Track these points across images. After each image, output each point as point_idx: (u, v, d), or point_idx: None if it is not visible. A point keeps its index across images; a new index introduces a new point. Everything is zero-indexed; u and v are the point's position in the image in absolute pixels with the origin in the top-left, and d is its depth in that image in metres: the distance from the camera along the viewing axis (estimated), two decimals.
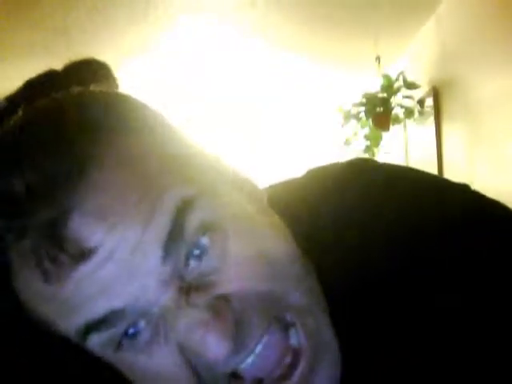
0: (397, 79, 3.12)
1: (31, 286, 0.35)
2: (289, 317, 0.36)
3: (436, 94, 2.93)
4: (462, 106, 2.60)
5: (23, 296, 0.36)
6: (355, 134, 3.49)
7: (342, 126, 3.45)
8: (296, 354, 0.36)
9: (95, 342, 0.35)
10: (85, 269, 0.33)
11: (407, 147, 3.51)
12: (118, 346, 0.35)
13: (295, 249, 0.39)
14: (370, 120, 3.22)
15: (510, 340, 0.39)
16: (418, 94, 3.08)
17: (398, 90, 3.13)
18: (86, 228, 0.32)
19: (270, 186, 0.48)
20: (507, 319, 0.39)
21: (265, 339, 0.35)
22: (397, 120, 3.26)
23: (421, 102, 3.08)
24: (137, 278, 0.33)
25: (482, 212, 0.43)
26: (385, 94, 3.15)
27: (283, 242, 0.39)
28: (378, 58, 3.30)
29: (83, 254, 0.32)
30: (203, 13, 2.82)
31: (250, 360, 0.35)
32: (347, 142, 3.62)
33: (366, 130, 3.38)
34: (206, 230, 0.34)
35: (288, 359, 0.36)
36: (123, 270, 0.33)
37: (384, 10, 2.88)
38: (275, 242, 0.38)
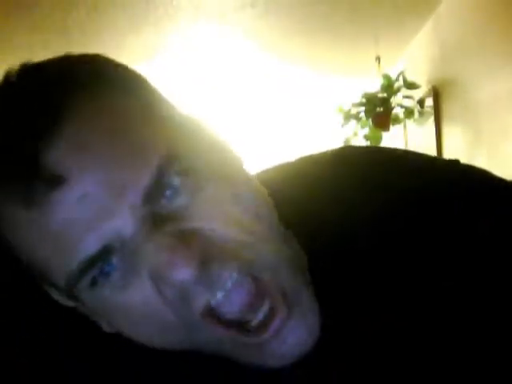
0: (397, 79, 3.12)
1: (17, 224, 0.36)
2: (258, 273, 0.37)
3: (436, 94, 2.93)
4: (462, 106, 2.61)
5: (17, 245, 0.38)
6: (355, 134, 3.49)
7: (342, 126, 3.44)
8: (271, 309, 0.37)
9: (79, 286, 0.36)
10: (60, 197, 0.34)
11: (407, 147, 3.50)
12: (92, 283, 0.36)
13: (273, 212, 0.40)
14: (370, 120, 3.22)
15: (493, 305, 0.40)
16: (417, 94, 3.08)
17: (398, 89, 3.13)
18: (62, 159, 0.34)
19: (262, 171, 0.50)
20: (492, 285, 0.41)
21: (234, 279, 0.36)
22: (397, 120, 3.26)
23: (421, 102, 3.08)
24: (114, 215, 0.35)
25: (469, 184, 0.46)
26: (385, 94, 3.15)
27: (259, 200, 0.40)
28: (378, 58, 3.30)
29: (57, 181, 0.34)
30: (203, 13, 2.82)
31: (220, 295, 0.36)
32: (347, 142, 3.62)
33: (366, 130, 3.37)
34: (181, 174, 0.36)
35: (262, 307, 0.37)
36: (101, 208, 0.34)
37: (384, 11, 2.88)
38: (250, 196, 0.39)
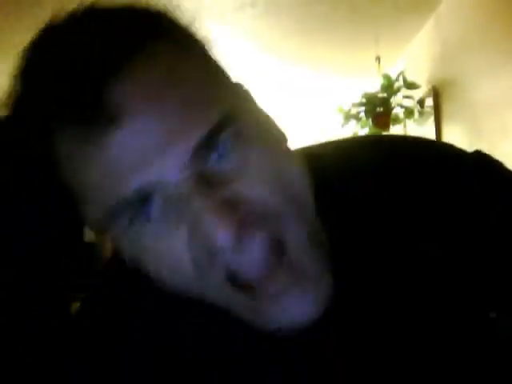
0: (397, 79, 3.12)
1: (71, 151, 0.37)
2: (285, 247, 0.38)
3: (436, 93, 2.93)
4: (462, 105, 2.61)
5: (63, 167, 0.38)
6: (355, 134, 3.49)
7: (342, 125, 3.44)
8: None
9: (119, 222, 0.37)
10: (117, 134, 0.35)
11: None
12: (129, 222, 0.37)
13: (311, 188, 0.41)
14: (370, 120, 3.22)
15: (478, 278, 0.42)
16: (418, 94, 3.08)
17: (398, 89, 3.13)
18: (125, 98, 0.35)
19: (304, 147, 0.52)
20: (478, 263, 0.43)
21: (262, 249, 0.37)
22: (397, 120, 3.27)
23: (421, 102, 3.08)
24: (164, 159, 0.35)
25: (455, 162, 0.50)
26: (385, 94, 3.15)
27: (301, 175, 0.41)
28: (378, 58, 3.31)
29: (118, 118, 0.34)
30: (203, 14, 2.81)
31: (244, 261, 0.37)
32: None
33: (366, 130, 3.38)
34: (234, 137, 0.37)
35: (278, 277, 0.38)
36: (153, 149, 0.35)
37: (384, 11, 2.88)
38: (293, 170, 0.41)
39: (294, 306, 0.38)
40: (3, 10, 2.77)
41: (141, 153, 0.35)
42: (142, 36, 0.38)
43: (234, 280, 0.38)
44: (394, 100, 3.17)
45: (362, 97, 3.21)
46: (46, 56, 0.39)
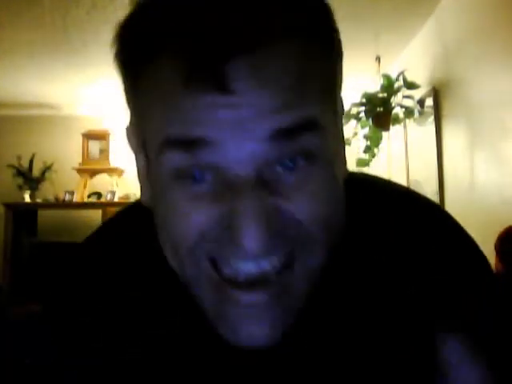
0: (397, 79, 3.12)
1: (166, 77, 0.37)
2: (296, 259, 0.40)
3: (436, 94, 2.93)
4: (462, 106, 2.60)
5: (149, 78, 0.39)
6: (355, 134, 3.48)
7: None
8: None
9: (168, 159, 0.38)
10: (216, 99, 0.35)
11: (407, 147, 3.50)
12: (178, 177, 0.38)
13: (343, 223, 0.43)
14: (370, 120, 3.21)
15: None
16: (418, 94, 3.08)
17: (398, 89, 3.13)
18: (245, 75, 0.35)
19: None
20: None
21: (272, 267, 0.39)
22: (397, 120, 3.26)
23: (421, 102, 3.08)
24: (241, 134, 0.36)
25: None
26: (385, 94, 3.15)
27: (343, 208, 0.43)
28: (378, 58, 3.30)
29: (224, 88, 0.35)
30: None
31: (247, 271, 0.38)
32: (347, 142, 3.61)
33: (366, 130, 3.37)
34: (306, 155, 0.38)
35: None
36: (238, 125, 0.36)
37: (384, 10, 2.88)
38: (340, 202, 0.42)
39: (257, 326, 0.39)
40: (3, 9, 2.77)
41: (226, 123, 0.36)
42: (292, 15, 0.38)
43: (223, 273, 0.39)
44: (394, 100, 3.16)
45: (362, 97, 3.21)
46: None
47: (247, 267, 0.38)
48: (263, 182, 0.37)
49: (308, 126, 0.37)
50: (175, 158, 0.37)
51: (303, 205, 0.38)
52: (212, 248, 0.39)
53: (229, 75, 0.35)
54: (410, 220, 0.47)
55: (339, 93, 0.45)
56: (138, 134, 0.43)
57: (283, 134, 0.36)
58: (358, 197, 0.48)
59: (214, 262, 0.39)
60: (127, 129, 0.46)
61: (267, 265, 0.38)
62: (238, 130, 0.36)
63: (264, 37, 0.36)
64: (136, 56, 0.39)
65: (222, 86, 0.35)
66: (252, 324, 0.39)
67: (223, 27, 0.35)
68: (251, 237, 0.36)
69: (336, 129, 0.43)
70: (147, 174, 0.43)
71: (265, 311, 0.39)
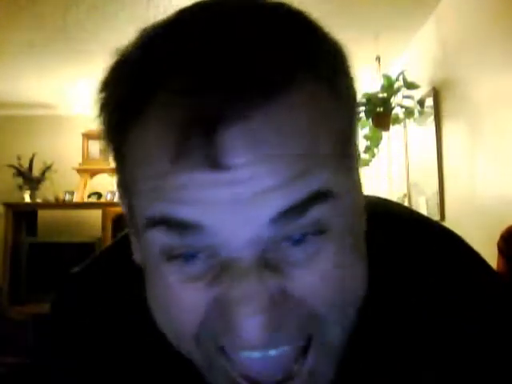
0: (397, 79, 3.12)
1: (151, 152, 0.32)
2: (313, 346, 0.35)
3: (436, 94, 2.92)
4: (462, 106, 2.60)
5: (133, 148, 0.34)
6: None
7: None
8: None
9: (156, 237, 0.33)
10: (207, 177, 0.31)
11: (407, 147, 3.50)
12: (168, 257, 0.33)
13: (363, 294, 0.37)
14: (370, 120, 3.21)
15: None
16: (418, 94, 3.08)
17: (398, 89, 3.13)
18: (241, 146, 0.30)
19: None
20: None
21: (285, 349, 0.33)
22: (397, 120, 3.26)
23: (421, 102, 3.08)
24: (238, 218, 0.31)
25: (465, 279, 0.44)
26: (385, 94, 3.14)
27: (362, 284, 0.36)
28: (378, 58, 3.30)
29: (218, 164, 0.30)
30: None
31: (256, 359, 0.33)
32: None
33: (366, 130, 3.37)
34: (316, 230, 0.33)
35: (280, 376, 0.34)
36: (236, 206, 0.31)
37: (384, 10, 2.88)
38: (359, 277, 0.36)
39: None
40: (3, 9, 2.77)
41: (219, 202, 0.31)
42: (293, 62, 0.32)
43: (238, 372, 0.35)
44: (394, 100, 3.16)
45: (362, 97, 3.20)
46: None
47: (255, 358, 0.33)
48: (265, 261, 0.32)
49: (319, 197, 0.32)
50: (162, 238, 0.33)
51: (313, 285, 0.33)
52: (217, 335, 0.34)
53: (222, 147, 0.30)
54: (436, 262, 0.43)
55: (355, 140, 0.38)
56: (125, 201, 0.38)
57: (290, 212, 0.31)
58: (378, 237, 0.41)
59: (223, 351, 0.34)
60: (118, 188, 0.41)
61: (279, 357, 0.33)
62: (236, 213, 0.31)
63: (264, 92, 0.31)
64: (120, 118, 0.34)
65: (214, 162, 0.30)
66: None
67: (214, 86, 0.30)
68: (250, 327, 0.31)
69: (351, 196, 0.36)
70: (138, 239, 0.38)
71: None
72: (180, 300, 0.34)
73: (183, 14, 0.36)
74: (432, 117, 2.95)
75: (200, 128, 0.30)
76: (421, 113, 3.10)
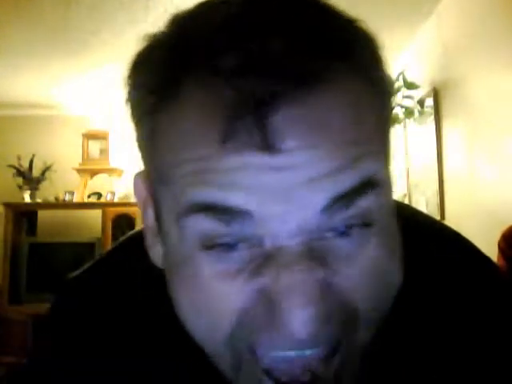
0: (397, 79, 3.12)
1: (193, 134, 0.31)
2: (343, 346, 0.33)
3: (436, 94, 2.92)
4: (462, 106, 2.60)
5: (170, 132, 0.32)
6: None
7: None
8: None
9: (198, 225, 0.31)
10: (258, 161, 0.29)
11: (407, 147, 3.50)
12: (207, 247, 0.31)
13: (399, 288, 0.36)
14: None
15: None
16: (418, 94, 3.08)
17: (398, 89, 3.12)
18: (295, 129, 0.29)
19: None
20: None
21: (320, 349, 0.32)
22: (397, 120, 3.26)
23: (421, 102, 3.07)
24: (290, 204, 0.30)
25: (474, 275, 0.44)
26: None
27: (398, 283, 0.35)
28: None
29: (270, 147, 0.29)
30: None
31: (293, 354, 0.31)
32: None
33: None
34: (362, 222, 0.32)
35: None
36: (286, 193, 0.30)
37: (384, 10, 2.87)
38: (397, 274, 0.35)
39: None
40: (3, 8, 2.77)
41: (270, 188, 0.30)
42: (339, 51, 0.32)
43: (269, 372, 0.33)
44: (394, 100, 3.16)
45: None
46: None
47: (288, 355, 0.31)
48: (312, 252, 0.31)
49: (369, 186, 0.31)
50: (204, 225, 0.31)
51: (355, 280, 0.32)
52: (251, 334, 0.32)
53: (275, 130, 0.29)
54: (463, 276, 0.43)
55: (390, 139, 0.37)
56: (151, 188, 0.36)
57: (340, 200, 0.30)
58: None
59: (253, 351, 0.32)
60: (136, 176, 0.39)
61: (312, 357, 0.31)
62: (288, 200, 0.30)
63: (316, 78, 0.30)
64: (155, 100, 0.33)
65: (266, 144, 0.29)
66: None
67: (265, 68, 0.29)
68: (299, 319, 0.29)
69: (390, 186, 0.36)
70: (159, 231, 0.37)
71: None
72: (216, 294, 0.32)
73: None
74: (432, 117, 2.94)
75: (252, 109, 0.29)
76: (421, 113, 3.10)
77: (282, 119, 0.29)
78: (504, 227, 1.81)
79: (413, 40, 3.32)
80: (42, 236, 4.47)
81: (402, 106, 3.17)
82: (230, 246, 0.31)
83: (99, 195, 4.59)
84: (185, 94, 0.31)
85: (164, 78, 0.32)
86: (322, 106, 0.30)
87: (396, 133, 3.53)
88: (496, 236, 1.80)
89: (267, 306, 0.31)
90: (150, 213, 0.37)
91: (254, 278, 0.31)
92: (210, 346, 0.35)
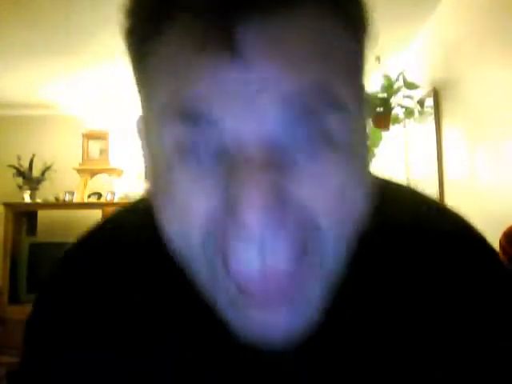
0: (397, 79, 3.12)
1: (174, 50, 0.34)
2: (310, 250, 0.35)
3: (436, 94, 2.93)
4: (462, 106, 2.60)
5: (157, 56, 0.35)
6: None
7: None
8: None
9: (170, 131, 0.34)
10: (225, 69, 0.32)
11: (407, 147, 3.50)
12: (181, 153, 0.34)
13: (361, 220, 0.38)
14: (370, 120, 3.21)
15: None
16: (418, 94, 3.08)
17: (398, 90, 3.13)
18: (263, 42, 0.32)
19: None
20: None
21: (280, 252, 0.34)
22: (397, 120, 3.26)
23: (421, 102, 3.08)
24: (252, 112, 0.32)
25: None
26: (385, 94, 3.15)
27: (362, 208, 0.37)
28: (377, 58, 3.30)
29: (237, 56, 0.32)
30: None
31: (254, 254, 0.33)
32: None
33: None
34: (328, 140, 0.34)
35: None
36: (248, 98, 0.32)
37: (384, 10, 2.87)
38: (358, 203, 0.37)
39: (278, 325, 0.35)
40: (3, 9, 2.77)
41: (235, 93, 0.32)
42: None
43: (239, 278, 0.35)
44: (394, 100, 3.16)
45: None
46: None
47: (250, 256, 0.33)
48: (276, 164, 0.33)
49: (333, 107, 0.33)
50: (176, 131, 0.34)
51: (316, 193, 0.34)
52: (221, 241, 0.34)
53: (243, 40, 0.32)
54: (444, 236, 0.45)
55: (363, 78, 0.40)
56: (146, 117, 0.39)
57: (302, 114, 0.33)
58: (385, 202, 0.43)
59: (225, 260, 0.35)
60: (138, 120, 0.42)
61: (274, 257, 0.33)
62: (249, 108, 0.32)
63: (288, 1, 0.32)
64: (144, 27, 0.36)
65: (234, 53, 0.32)
66: (275, 323, 0.35)
67: None
68: (251, 208, 0.31)
69: (361, 118, 0.38)
70: (152, 143, 0.39)
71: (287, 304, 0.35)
72: (188, 200, 0.34)
73: None
74: (432, 117, 2.95)
75: (222, 19, 0.31)
76: (421, 113, 3.10)
77: (250, 31, 0.32)
78: (504, 227, 1.81)
79: (413, 40, 3.32)
80: (42, 236, 4.47)
81: (402, 106, 3.17)
82: (200, 154, 0.34)
83: (99, 195, 4.59)
84: (168, 28, 0.34)
85: (152, 18, 0.35)
86: (289, 25, 0.32)
87: (396, 133, 3.54)
88: (496, 236, 1.80)
89: (233, 215, 0.33)
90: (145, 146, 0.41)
91: (219, 183, 0.34)
92: (187, 257, 0.37)
